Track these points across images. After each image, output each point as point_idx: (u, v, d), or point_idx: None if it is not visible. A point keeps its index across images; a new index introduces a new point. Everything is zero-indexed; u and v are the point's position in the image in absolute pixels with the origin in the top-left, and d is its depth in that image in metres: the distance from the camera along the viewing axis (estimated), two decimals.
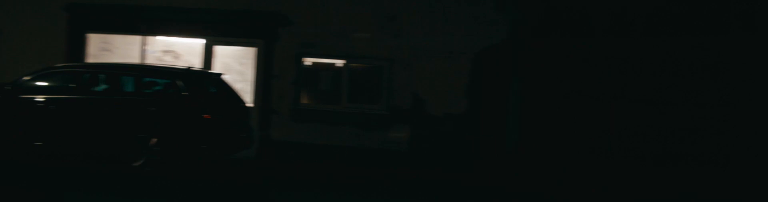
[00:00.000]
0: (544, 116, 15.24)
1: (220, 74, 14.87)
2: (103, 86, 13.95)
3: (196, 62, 16.77)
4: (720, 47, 14.15)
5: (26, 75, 13.97)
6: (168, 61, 17.28)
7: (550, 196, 12.93)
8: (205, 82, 14.13)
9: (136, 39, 17.30)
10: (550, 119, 15.19)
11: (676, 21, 14.56)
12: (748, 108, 13.93)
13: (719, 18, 14.27)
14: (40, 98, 13.67)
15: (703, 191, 13.53)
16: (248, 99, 15.99)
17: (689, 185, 13.85)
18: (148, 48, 17.39)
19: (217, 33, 16.56)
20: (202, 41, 16.70)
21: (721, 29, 14.24)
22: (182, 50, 17.46)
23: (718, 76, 14.17)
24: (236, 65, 17.12)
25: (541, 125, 15.23)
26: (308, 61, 16.45)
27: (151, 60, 17.31)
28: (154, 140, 13.22)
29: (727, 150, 14.00)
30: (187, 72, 13.93)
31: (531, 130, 15.28)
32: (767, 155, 13.77)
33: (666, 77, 14.49)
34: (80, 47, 17.01)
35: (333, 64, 16.44)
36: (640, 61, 14.69)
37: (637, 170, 14.42)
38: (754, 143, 13.86)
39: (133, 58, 17.25)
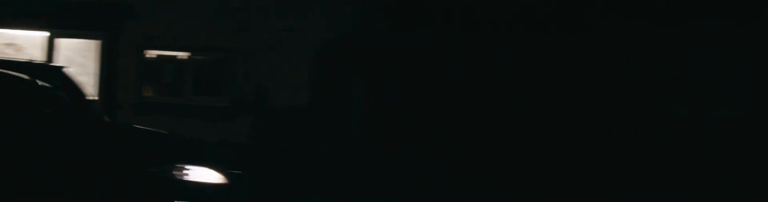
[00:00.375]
0: (389, 108, 15.48)
1: (62, 67, 14.76)
2: None
3: (39, 55, 16.57)
4: (566, 44, 14.60)
5: None
6: (9, 55, 17.05)
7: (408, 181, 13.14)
8: (47, 76, 14.01)
9: None
10: (396, 110, 15.43)
11: (533, 19, 14.88)
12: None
13: (572, 16, 14.69)
14: None
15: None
16: (92, 92, 15.91)
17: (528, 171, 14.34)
18: None
19: (60, 25, 16.35)
20: (45, 34, 16.53)
21: (569, 27, 14.66)
22: (25, 43, 17.23)
23: (565, 71, 14.62)
24: (79, 58, 17.00)
25: (386, 116, 15.48)
26: (152, 53, 16.45)
27: None
28: None
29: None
30: (29, 65, 13.80)
31: (376, 121, 15.52)
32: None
33: (508, 72, 14.88)
34: None
35: (177, 56, 16.48)
36: (485, 55, 15.02)
37: (475, 159, 14.83)
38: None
39: None
